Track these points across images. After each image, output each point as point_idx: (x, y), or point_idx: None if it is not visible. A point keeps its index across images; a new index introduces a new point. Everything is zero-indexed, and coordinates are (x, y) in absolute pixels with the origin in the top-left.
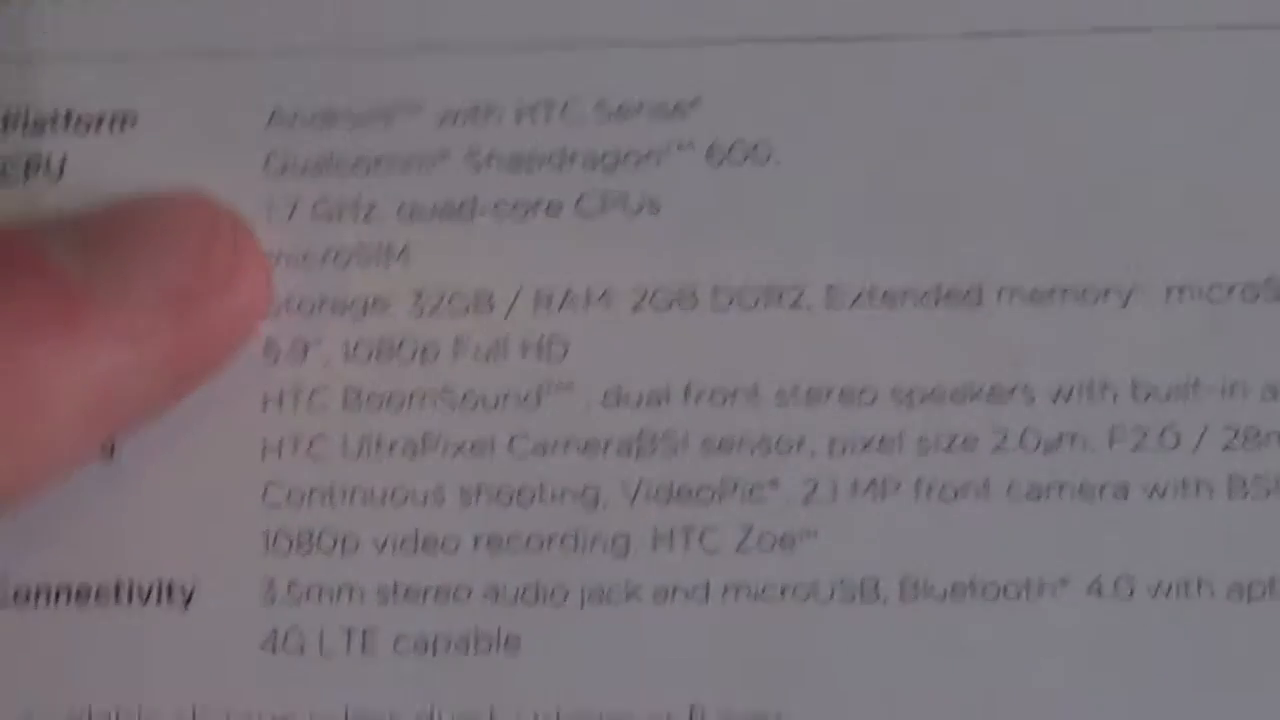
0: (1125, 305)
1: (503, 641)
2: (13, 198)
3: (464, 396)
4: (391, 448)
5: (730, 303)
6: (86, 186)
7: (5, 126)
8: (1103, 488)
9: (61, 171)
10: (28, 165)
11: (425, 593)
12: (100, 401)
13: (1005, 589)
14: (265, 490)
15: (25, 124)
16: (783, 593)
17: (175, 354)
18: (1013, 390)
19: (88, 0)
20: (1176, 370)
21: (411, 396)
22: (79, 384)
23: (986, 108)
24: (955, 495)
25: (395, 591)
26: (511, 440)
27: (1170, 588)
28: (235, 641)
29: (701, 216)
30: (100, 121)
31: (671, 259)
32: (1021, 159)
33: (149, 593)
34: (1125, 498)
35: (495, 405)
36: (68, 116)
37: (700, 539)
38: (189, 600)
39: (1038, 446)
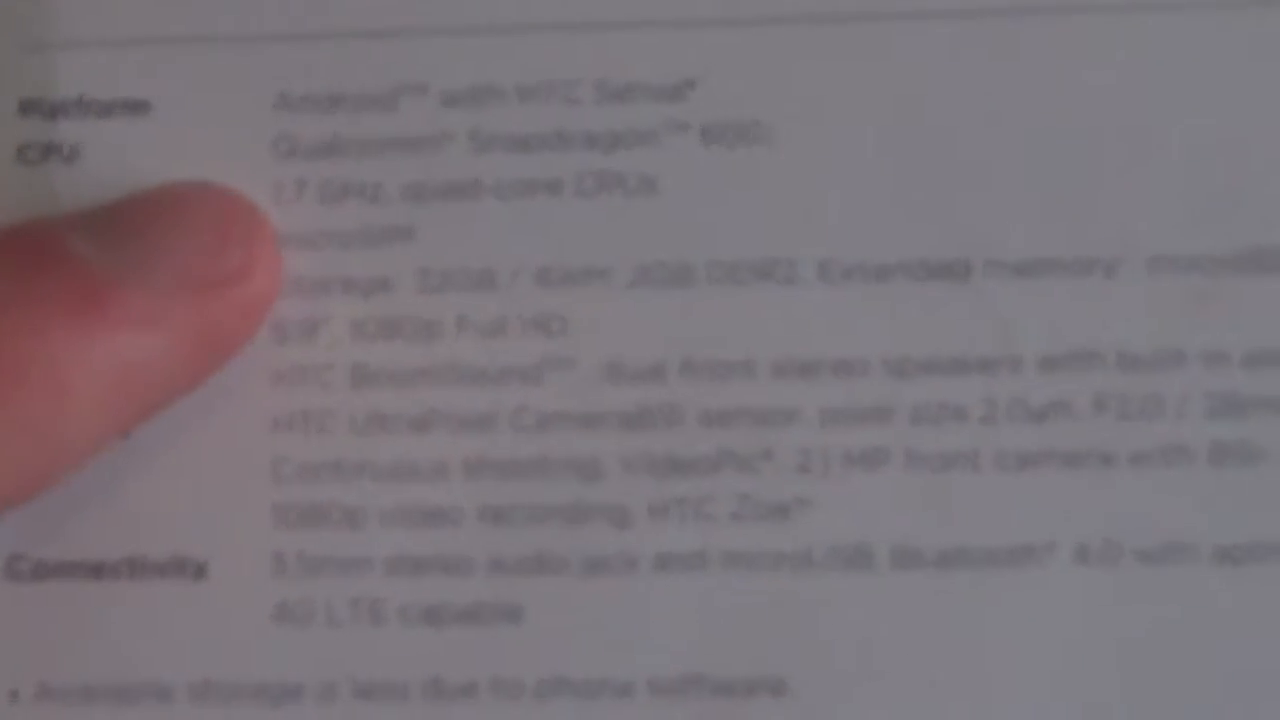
0: (1110, 277)
1: (506, 612)
2: (29, 183)
3: (467, 372)
4: (397, 423)
5: (725, 279)
6: (101, 172)
7: (22, 112)
8: (1089, 456)
9: (77, 157)
10: (44, 151)
11: (430, 564)
12: (122, 387)
13: (994, 556)
14: (275, 465)
15: (42, 110)
16: (777, 561)
17: (194, 339)
18: (1001, 361)
19: None
20: (1160, 340)
21: (416, 373)
22: (101, 371)
23: (977, 85)
24: (945, 465)
25: (401, 563)
26: (513, 415)
27: (1156, 553)
28: (246, 614)
29: (697, 195)
30: (114, 107)
31: (668, 237)
32: (1009, 135)
33: (162, 567)
34: (1111, 465)
35: (497, 381)
36: (83, 103)
37: (697, 510)
38: (201, 574)
39: (1026, 416)
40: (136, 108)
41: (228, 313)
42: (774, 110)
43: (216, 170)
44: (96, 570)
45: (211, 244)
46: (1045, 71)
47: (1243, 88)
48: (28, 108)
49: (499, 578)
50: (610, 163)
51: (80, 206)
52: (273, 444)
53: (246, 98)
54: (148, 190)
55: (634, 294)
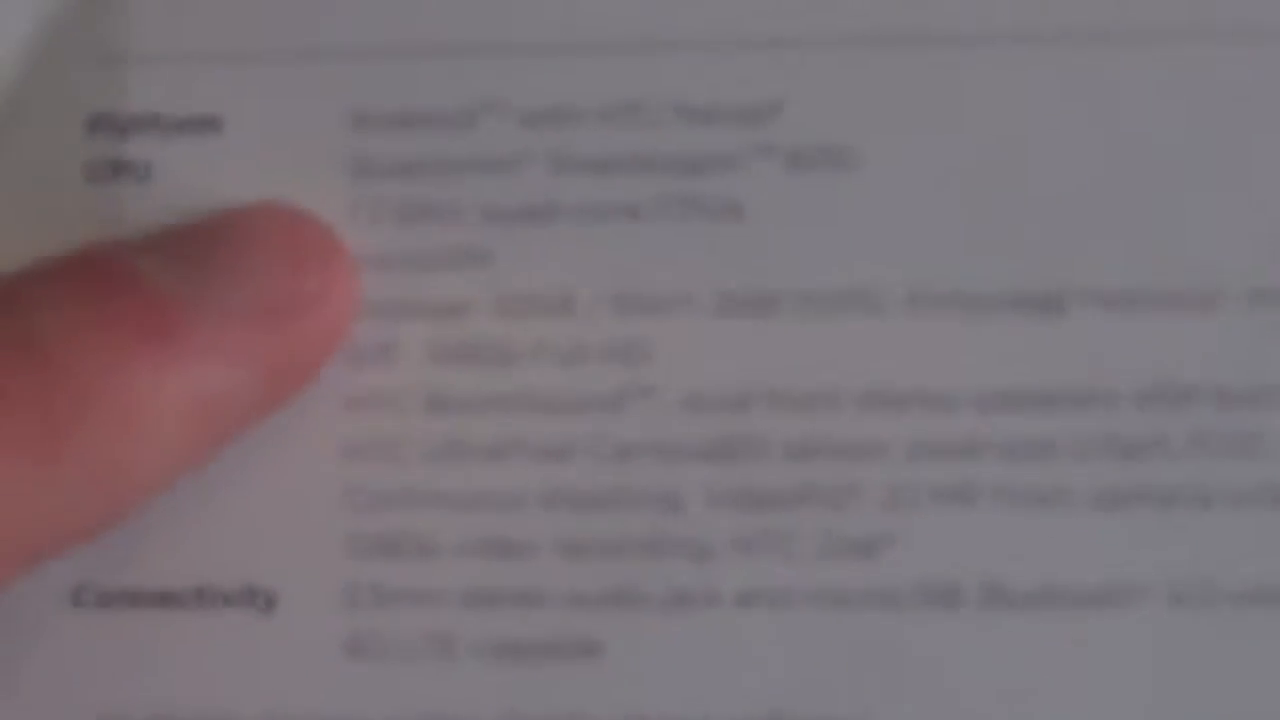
0: (1208, 310)
1: (584, 647)
2: (99, 202)
3: (545, 400)
4: (473, 451)
5: (810, 308)
6: (173, 190)
7: (92, 129)
8: (1184, 495)
9: (148, 175)
10: (114, 168)
11: (506, 597)
12: (196, 419)
13: (1086, 596)
14: (347, 494)
15: (112, 127)
16: (863, 598)
17: (271, 367)
18: (1094, 397)
19: (175, 3)
20: (1260, 376)
21: (493, 400)
22: (174, 402)
23: (1070, 112)
24: (1036, 502)
25: (476, 596)
26: (592, 445)
27: (1253, 596)
28: (316, 646)
29: (782, 221)
30: (186, 125)
31: (752, 264)
32: (1103, 164)
33: (231, 597)
34: (1207, 505)
35: (576, 409)
36: (154, 120)
37: (781, 545)
38: (271, 604)
39: (1119, 453)
40: (209, 125)
41: (303, 340)
42: (861, 135)
43: (290, 190)
44: (164, 599)
45: (286, 269)
46: (1141, 99)
47: None
48: (97, 124)
49: (577, 612)
50: (693, 187)
51: (151, 227)
52: (345, 471)
53: (322, 115)
54: (220, 212)
55: (717, 322)
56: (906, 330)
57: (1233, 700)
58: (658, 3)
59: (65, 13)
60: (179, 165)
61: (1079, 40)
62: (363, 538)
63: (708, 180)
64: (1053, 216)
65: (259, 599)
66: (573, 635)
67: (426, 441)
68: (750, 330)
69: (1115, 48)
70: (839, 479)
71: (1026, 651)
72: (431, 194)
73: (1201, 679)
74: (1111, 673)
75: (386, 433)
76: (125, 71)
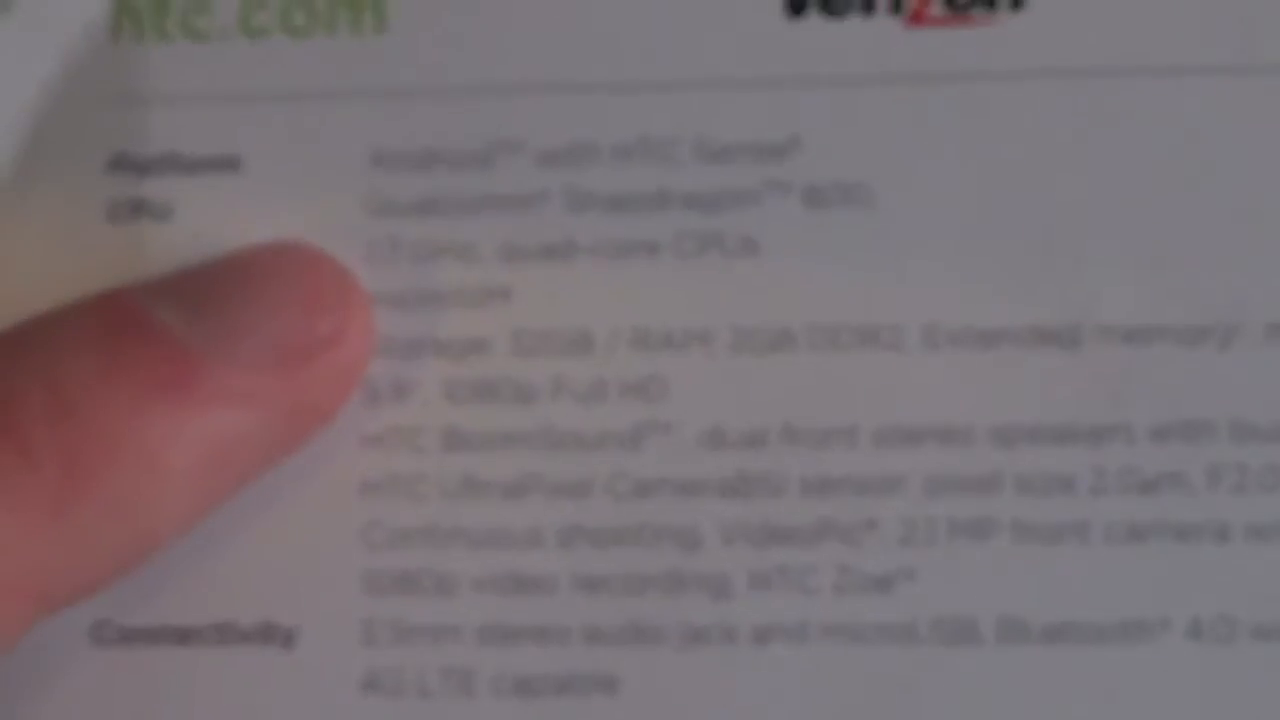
0: (1226, 345)
1: (601, 683)
2: (120, 241)
3: (563, 437)
4: (491, 489)
5: (828, 344)
6: (193, 229)
7: (113, 168)
8: (1203, 529)
9: (169, 215)
10: (135, 208)
11: (524, 634)
12: (213, 464)
13: (1104, 631)
14: (365, 531)
15: (133, 167)
16: (880, 634)
17: (287, 410)
18: (1112, 431)
19: (194, 44)
20: (1277, 410)
21: (511, 437)
22: (192, 448)
23: (1085, 147)
24: (1053, 536)
25: (494, 633)
26: (610, 481)
27: (1273, 630)
28: (334, 682)
29: (799, 258)
30: (206, 164)
31: (769, 300)
32: (1120, 198)
33: (250, 634)
34: (1226, 539)
35: (594, 446)
36: (174, 159)
37: (798, 580)
38: (290, 641)
39: (1137, 487)
40: (227, 164)
41: (320, 381)
42: (877, 172)
43: (308, 228)
44: (183, 636)
45: (301, 311)
46: (1155, 134)
47: None
48: (118, 163)
49: (594, 648)
50: (710, 224)
51: (172, 265)
52: (363, 508)
53: (339, 154)
54: (235, 254)
55: (734, 358)
56: (923, 365)
57: None
58: (674, 41)
59: (86, 53)
60: (199, 204)
61: (1094, 75)
62: (381, 574)
63: (725, 217)
64: (1069, 250)
65: (278, 636)
66: (590, 671)
67: (444, 479)
68: (767, 366)
69: (1131, 82)
70: (856, 514)
71: (1044, 687)
72: (449, 232)
73: (1222, 714)
74: (1130, 708)
75: (404, 470)
76: (146, 111)
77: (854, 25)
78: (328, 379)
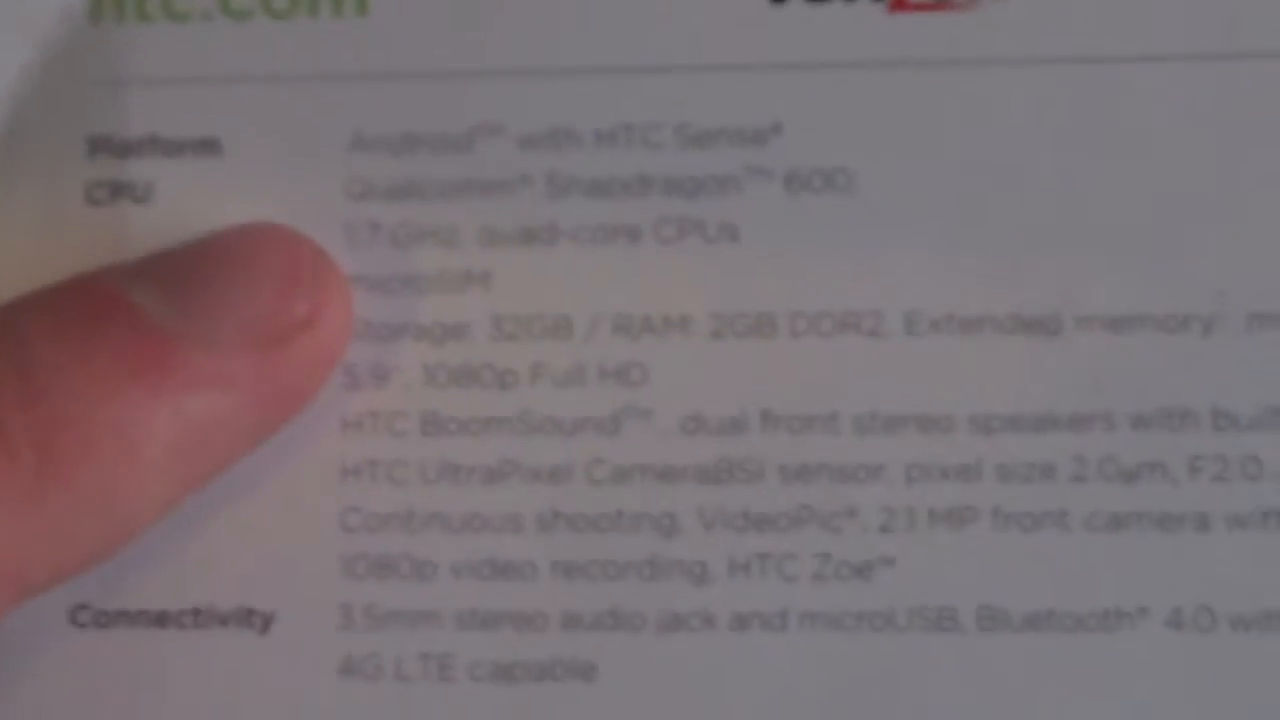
0: (1206, 334)
1: (579, 669)
2: (100, 223)
3: (542, 422)
4: (470, 473)
5: (808, 330)
6: (173, 211)
7: (93, 151)
8: (1183, 518)
9: (149, 197)
10: (114, 190)
11: (502, 619)
12: (190, 449)
13: (1084, 619)
14: (343, 515)
15: (112, 149)
16: (859, 622)
17: (264, 393)
18: (1092, 419)
19: (175, 26)
20: (1258, 400)
21: (490, 422)
22: (168, 433)
23: (1067, 135)
24: (1034, 525)
25: (472, 618)
26: (589, 466)
27: (1252, 620)
28: (312, 667)
29: (780, 243)
30: (185, 146)
31: (750, 286)
32: (1102, 185)
33: (228, 618)
34: (1206, 529)
35: (573, 431)
36: (154, 142)
37: (777, 567)
38: (267, 625)
39: (1118, 476)
40: (207, 147)
41: (296, 365)
42: (858, 157)
43: (288, 211)
44: (161, 620)
45: (278, 293)
46: (1136, 121)
47: None
48: (97, 145)
49: (572, 634)
50: (691, 209)
51: (151, 248)
52: (342, 493)
53: (319, 138)
54: (212, 236)
55: (714, 344)
56: (903, 352)
57: None
58: (657, 26)
59: (66, 35)
60: (179, 186)
61: (1075, 63)
62: (359, 559)
63: (706, 202)
64: (1050, 238)
65: (255, 620)
66: (568, 657)
67: (423, 463)
68: (747, 352)
69: (1111, 70)
70: (836, 502)
71: (1023, 675)
72: (429, 216)
73: (1200, 703)
74: (1110, 697)
75: (383, 455)
76: (126, 94)
77: (836, 10)
78: (305, 361)
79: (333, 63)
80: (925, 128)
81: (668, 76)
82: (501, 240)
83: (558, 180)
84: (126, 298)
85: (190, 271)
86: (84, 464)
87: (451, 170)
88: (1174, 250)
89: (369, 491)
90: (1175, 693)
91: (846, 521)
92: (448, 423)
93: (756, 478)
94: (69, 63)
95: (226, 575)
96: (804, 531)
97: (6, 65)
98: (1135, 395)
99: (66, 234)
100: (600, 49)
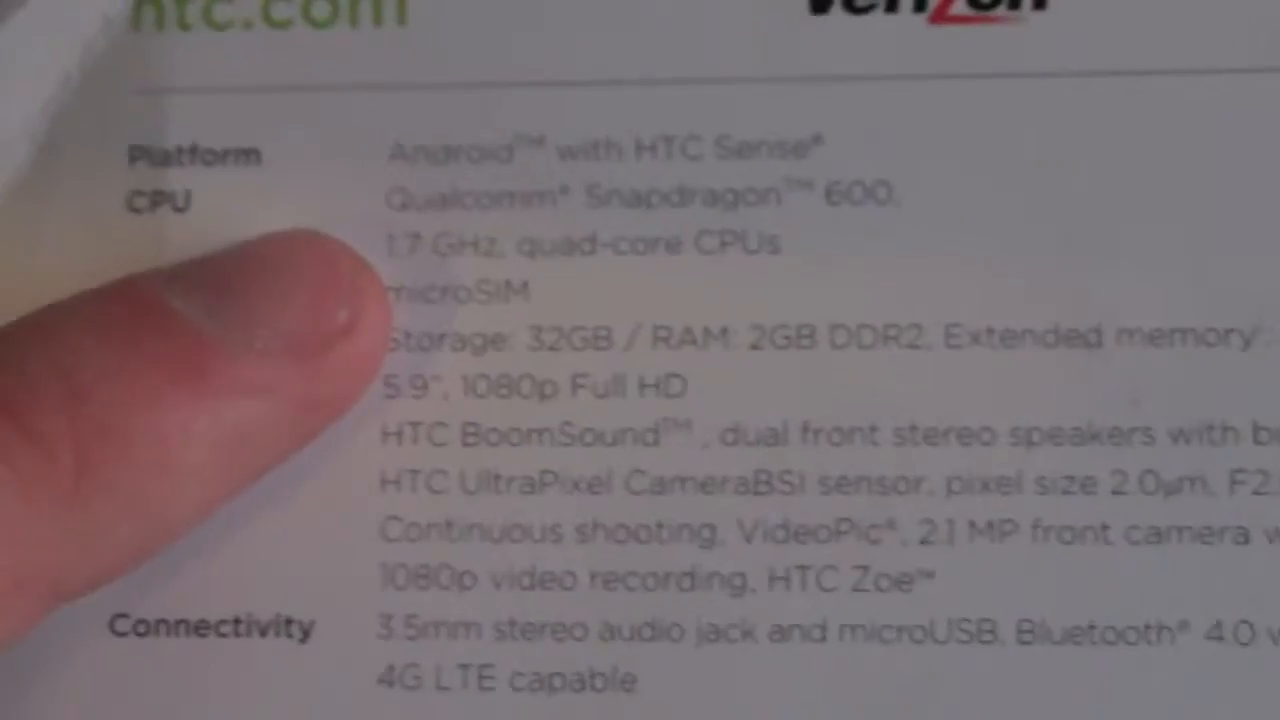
0: (1247, 347)
1: (619, 680)
2: (139, 231)
3: (582, 433)
4: (509, 484)
5: (848, 342)
6: (212, 220)
7: (132, 159)
8: (1223, 531)
9: (188, 205)
10: (154, 199)
11: (542, 630)
12: (227, 456)
13: (1124, 633)
14: (384, 525)
15: (151, 157)
16: (899, 634)
17: (301, 401)
18: (1132, 432)
19: (215, 34)
20: None
21: (530, 432)
22: (207, 440)
23: (1110, 147)
24: (1074, 537)
25: (512, 628)
26: (629, 477)
27: None
28: (351, 676)
29: (821, 255)
30: (225, 155)
31: (790, 297)
32: (1144, 198)
33: (267, 627)
34: (1246, 542)
35: (613, 442)
36: (194, 150)
37: (817, 579)
38: (307, 635)
39: (1157, 489)
40: (247, 156)
41: (334, 373)
42: (900, 169)
43: (329, 221)
44: (200, 628)
45: (316, 301)
46: (1177, 134)
47: None
48: (138, 154)
49: (612, 645)
50: (731, 220)
51: (190, 256)
52: (382, 502)
53: (360, 148)
54: (250, 243)
55: (755, 355)
56: (944, 364)
57: None
58: (697, 37)
59: (107, 44)
60: (219, 195)
61: (1117, 74)
62: (399, 568)
63: (746, 214)
64: (1090, 251)
65: (295, 629)
66: (608, 668)
67: (463, 473)
68: (787, 363)
69: (1153, 82)
70: (875, 513)
71: (1063, 688)
72: (469, 226)
73: (1241, 716)
74: (1149, 710)
75: (423, 464)
76: (165, 101)
77: (877, 22)
78: (343, 370)
79: (372, 72)
80: (965, 140)
81: (708, 87)
82: (541, 251)
83: (598, 191)
84: (164, 302)
85: (229, 278)
86: (122, 469)
87: (491, 180)
88: (1214, 263)
89: (409, 501)
90: (1216, 706)
91: (886, 533)
92: (488, 433)
93: (796, 489)
94: (110, 71)
95: (266, 584)
96: (844, 543)
97: (48, 74)
98: (1175, 408)
99: (107, 241)
100: (641, 60)
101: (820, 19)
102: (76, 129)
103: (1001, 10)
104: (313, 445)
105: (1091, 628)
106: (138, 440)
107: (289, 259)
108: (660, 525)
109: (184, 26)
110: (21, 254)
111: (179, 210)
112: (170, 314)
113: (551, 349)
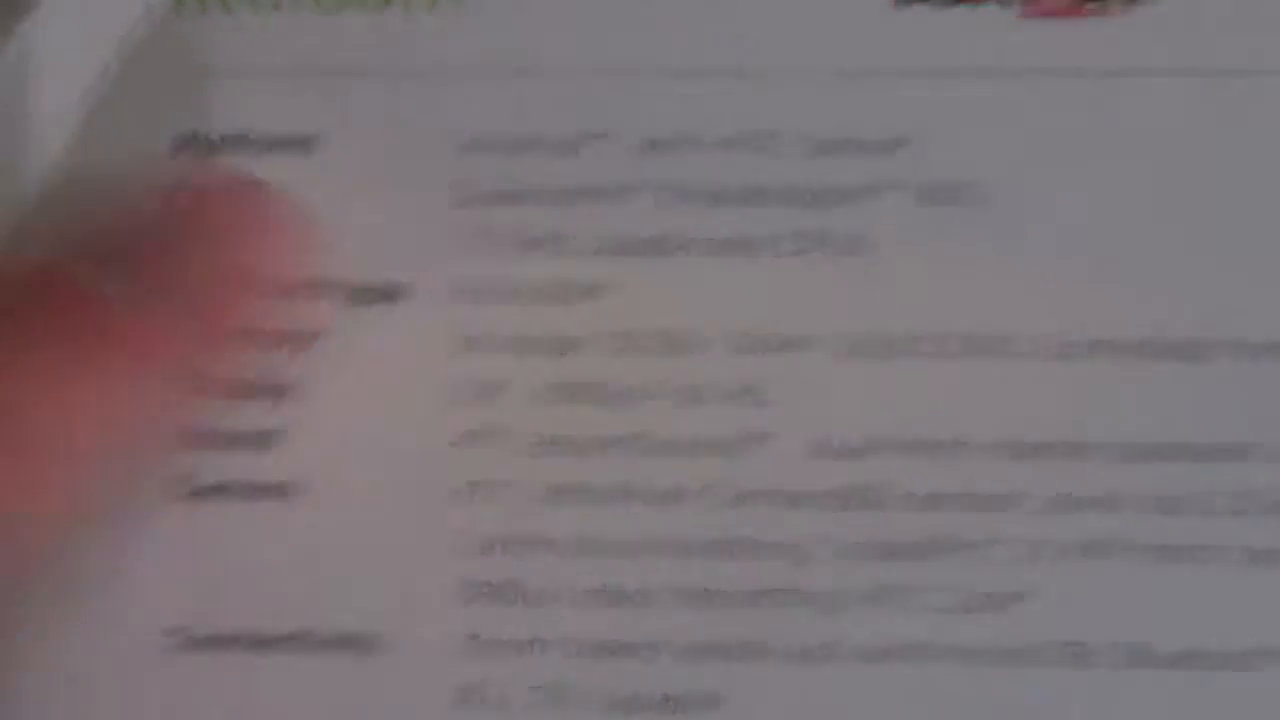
0: None
1: (701, 700)
2: None
3: (660, 444)
4: (583, 496)
5: (939, 351)
6: None
7: (178, 148)
8: None
9: None
10: None
11: (620, 648)
12: (129, 417)
13: (1230, 657)
14: (453, 538)
15: (200, 145)
16: (996, 656)
17: (206, 353)
18: (1241, 450)
19: (266, 16)
20: None
21: (605, 442)
22: (114, 415)
23: (1209, 148)
24: (1179, 557)
25: (589, 646)
26: (710, 490)
27: None
28: (425, 695)
29: (910, 259)
30: (278, 144)
31: (879, 303)
32: (1250, 204)
33: (331, 642)
34: None
35: (692, 454)
36: (243, 138)
37: (910, 599)
38: (373, 650)
39: (1264, 509)
40: (302, 144)
41: (238, 321)
42: (992, 169)
43: (390, 214)
44: (258, 644)
45: (211, 255)
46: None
47: None
48: (183, 143)
49: (694, 664)
50: (817, 221)
51: None
52: (451, 514)
53: (425, 139)
54: (156, 195)
55: (841, 364)
56: (1041, 375)
57: None
58: (777, 29)
59: (151, 29)
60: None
61: (1220, 75)
62: (470, 584)
63: (830, 214)
64: (1193, 258)
65: (360, 644)
66: (690, 687)
67: (535, 485)
68: (875, 373)
69: (1256, 83)
70: (970, 531)
71: (1164, 713)
72: (539, 223)
73: None
74: None
75: (494, 475)
76: (213, 88)
77: (962, 16)
78: (247, 316)
79: (439, 58)
80: (1062, 140)
81: (789, 82)
82: (615, 250)
83: (677, 189)
84: (73, 278)
85: (124, 245)
86: (22, 458)
87: (563, 176)
88: None
89: (479, 513)
90: None
91: (982, 552)
92: (561, 442)
93: (887, 505)
94: (153, 57)
95: (331, 599)
96: (937, 561)
97: (86, 63)
98: None
99: None
100: (724, 51)
101: (902, 11)
102: (121, 118)
103: (1095, 3)
104: (379, 452)
105: (1196, 652)
106: (42, 422)
107: (183, 214)
108: (743, 540)
109: (226, 9)
110: None
111: None
112: (80, 290)
113: (626, 354)
